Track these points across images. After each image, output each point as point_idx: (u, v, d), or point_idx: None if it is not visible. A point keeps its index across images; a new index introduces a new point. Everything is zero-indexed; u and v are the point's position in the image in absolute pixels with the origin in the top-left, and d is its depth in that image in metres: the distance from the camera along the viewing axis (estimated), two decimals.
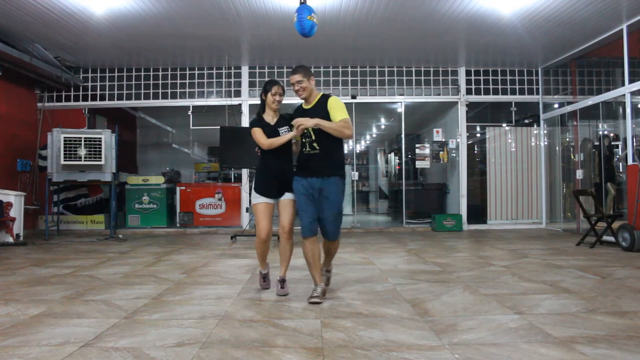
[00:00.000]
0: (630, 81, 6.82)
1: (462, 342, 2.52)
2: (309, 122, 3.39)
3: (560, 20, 6.79)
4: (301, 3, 5.41)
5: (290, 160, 3.69)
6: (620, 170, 8.02)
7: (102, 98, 9.38)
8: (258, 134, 3.55)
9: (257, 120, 3.63)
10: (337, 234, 3.57)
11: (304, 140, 3.54)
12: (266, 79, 9.25)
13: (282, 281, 3.65)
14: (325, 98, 3.52)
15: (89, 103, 9.40)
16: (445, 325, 2.81)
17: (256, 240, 3.70)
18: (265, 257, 3.78)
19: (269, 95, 3.60)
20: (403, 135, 9.85)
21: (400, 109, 9.62)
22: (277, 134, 3.56)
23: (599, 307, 3.19)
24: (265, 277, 3.86)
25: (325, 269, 3.80)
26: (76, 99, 9.40)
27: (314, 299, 3.36)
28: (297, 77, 3.48)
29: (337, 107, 3.45)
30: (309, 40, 5.64)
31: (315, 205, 3.48)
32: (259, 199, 3.61)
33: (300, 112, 3.59)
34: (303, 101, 3.61)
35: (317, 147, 3.48)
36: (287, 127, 3.61)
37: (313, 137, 3.49)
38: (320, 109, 3.46)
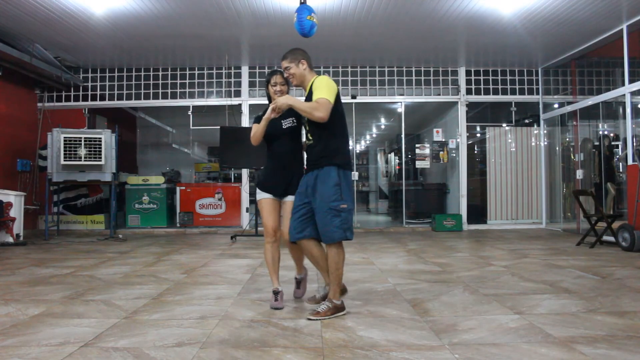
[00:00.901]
0: (630, 81, 6.82)
1: (462, 342, 2.52)
2: (280, 102, 3.00)
3: (560, 20, 6.79)
4: (301, 3, 5.41)
5: (297, 158, 3.30)
6: (620, 170, 8.02)
7: (102, 98, 9.38)
8: (252, 129, 3.24)
9: (258, 116, 3.28)
10: (330, 237, 2.96)
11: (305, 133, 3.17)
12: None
13: (288, 288, 3.43)
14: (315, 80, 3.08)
15: (89, 103, 9.40)
16: (445, 325, 2.81)
17: (265, 241, 3.29)
18: (276, 266, 3.31)
19: (270, 86, 3.30)
20: (403, 135, 9.85)
21: (400, 109, 9.62)
22: (281, 128, 3.25)
23: (599, 307, 3.19)
24: (277, 295, 3.26)
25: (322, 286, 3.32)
26: (76, 99, 9.40)
27: (310, 312, 3.05)
28: (284, 64, 3.12)
29: (318, 86, 2.96)
30: (309, 40, 5.62)
31: (306, 208, 3.06)
32: (261, 195, 3.29)
33: None
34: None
35: (311, 138, 3.08)
36: (292, 118, 3.24)
37: (307, 128, 3.09)
38: (311, 94, 3.03)
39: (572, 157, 8.79)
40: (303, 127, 3.24)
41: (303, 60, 3.13)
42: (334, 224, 2.94)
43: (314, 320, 2.94)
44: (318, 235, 3.05)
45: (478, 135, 10.61)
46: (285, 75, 3.19)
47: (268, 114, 3.10)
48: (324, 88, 2.94)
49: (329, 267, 3.04)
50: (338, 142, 3.06)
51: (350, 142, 10.44)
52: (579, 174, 8.22)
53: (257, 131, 3.19)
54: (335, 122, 2.99)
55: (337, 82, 9.18)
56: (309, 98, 3.05)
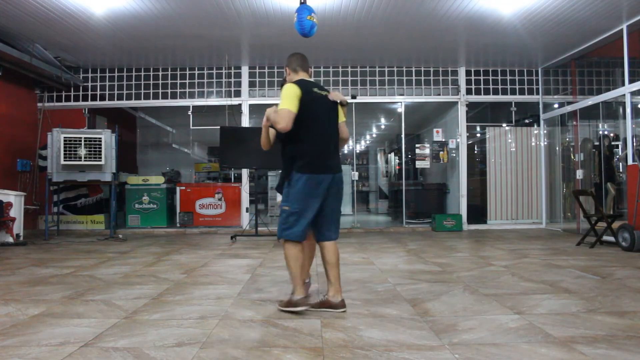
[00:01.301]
0: (630, 81, 6.82)
1: (462, 342, 2.52)
2: (267, 112, 3.20)
3: (560, 20, 6.79)
4: (301, 3, 5.41)
5: None
6: (620, 170, 8.02)
7: (102, 98, 9.38)
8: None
9: None
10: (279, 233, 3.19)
11: None
12: (266, 79, 9.35)
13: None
14: None
15: (89, 103, 9.40)
16: (445, 325, 2.81)
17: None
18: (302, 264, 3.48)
19: None
20: (403, 135, 9.85)
21: (400, 109, 9.61)
22: None
23: (599, 307, 3.19)
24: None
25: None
26: (76, 99, 9.40)
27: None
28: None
29: (281, 96, 3.11)
30: (309, 40, 5.63)
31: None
32: None
33: None
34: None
35: None
36: None
37: None
38: None
39: (572, 157, 8.79)
40: None
41: (286, 67, 3.33)
42: (279, 222, 3.22)
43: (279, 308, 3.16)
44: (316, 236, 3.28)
45: (478, 135, 10.60)
46: None
47: (264, 122, 3.28)
48: (283, 98, 3.06)
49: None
50: (297, 147, 3.16)
51: (351, 142, 10.45)
52: (579, 174, 8.22)
53: (261, 139, 3.38)
54: (297, 128, 3.06)
55: (337, 82, 9.24)
56: None
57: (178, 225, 9.35)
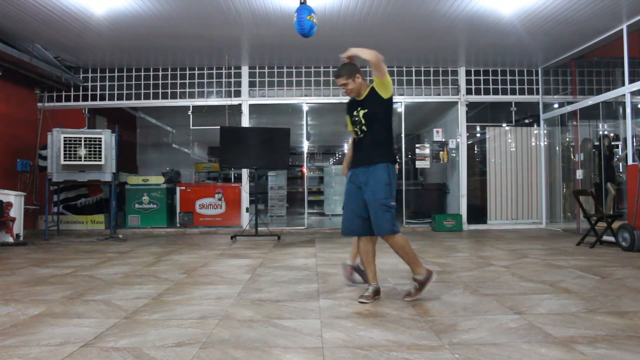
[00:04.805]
0: (630, 81, 6.82)
1: (462, 342, 2.52)
2: None
3: (560, 20, 6.79)
4: (301, 3, 5.41)
5: None
6: (620, 170, 8.02)
7: (102, 98, 9.38)
8: None
9: None
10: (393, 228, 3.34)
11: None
12: (266, 79, 9.35)
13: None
14: (372, 89, 3.69)
15: (89, 103, 9.40)
16: (445, 325, 2.81)
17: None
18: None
19: None
20: (403, 135, 9.85)
21: (400, 109, 9.61)
22: None
23: (599, 307, 3.19)
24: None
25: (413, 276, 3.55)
26: (76, 99, 9.40)
27: (361, 299, 3.39)
28: (341, 81, 3.68)
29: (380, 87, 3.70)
30: (309, 40, 5.64)
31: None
32: None
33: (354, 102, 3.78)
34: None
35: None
36: None
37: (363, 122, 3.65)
38: (372, 99, 3.70)
39: (572, 157, 8.79)
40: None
41: (358, 74, 3.73)
42: (389, 218, 3.44)
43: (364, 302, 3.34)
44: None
45: (478, 135, 10.60)
46: (342, 90, 3.82)
47: None
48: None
49: (401, 255, 3.49)
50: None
51: (351, 142, 10.45)
52: (579, 174, 8.22)
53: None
54: None
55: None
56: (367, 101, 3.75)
57: (178, 225, 9.35)
